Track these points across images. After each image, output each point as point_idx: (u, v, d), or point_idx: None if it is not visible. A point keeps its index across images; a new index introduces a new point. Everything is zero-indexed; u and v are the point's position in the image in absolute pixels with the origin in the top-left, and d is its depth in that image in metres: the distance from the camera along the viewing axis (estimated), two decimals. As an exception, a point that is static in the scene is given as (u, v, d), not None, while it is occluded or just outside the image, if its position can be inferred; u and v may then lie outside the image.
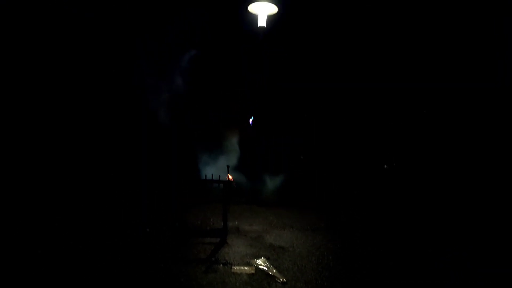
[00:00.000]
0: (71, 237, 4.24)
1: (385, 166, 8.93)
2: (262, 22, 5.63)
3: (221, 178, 4.83)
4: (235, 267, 3.54)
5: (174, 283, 3.17)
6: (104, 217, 5.24)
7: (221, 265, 3.60)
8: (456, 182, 7.18)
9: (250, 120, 9.12)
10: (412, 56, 7.88)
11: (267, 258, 3.80)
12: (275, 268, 3.54)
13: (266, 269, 3.49)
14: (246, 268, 3.53)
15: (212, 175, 4.90)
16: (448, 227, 5.22)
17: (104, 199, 6.11)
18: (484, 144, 7.39)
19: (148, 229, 4.74)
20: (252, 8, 5.46)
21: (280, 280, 3.26)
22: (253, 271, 3.45)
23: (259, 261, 3.69)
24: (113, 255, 3.78)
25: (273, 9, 5.45)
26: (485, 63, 7.17)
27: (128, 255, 3.79)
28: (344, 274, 3.48)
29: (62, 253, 3.75)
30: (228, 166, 5.09)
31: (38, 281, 3.16)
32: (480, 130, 7.48)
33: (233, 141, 7.99)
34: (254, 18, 5.70)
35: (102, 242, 4.19)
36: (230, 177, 4.93)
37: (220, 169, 5.54)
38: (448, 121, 7.95)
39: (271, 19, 5.69)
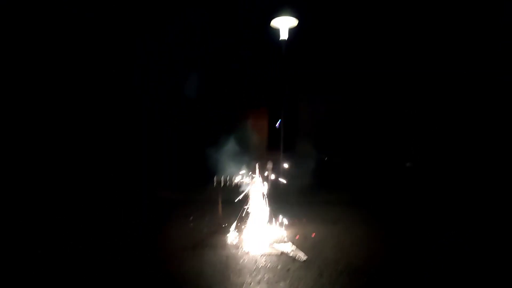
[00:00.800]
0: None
1: (407, 164, 9.21)
2: (284, 35, 6.18)
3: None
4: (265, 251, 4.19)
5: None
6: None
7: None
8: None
9: (277, 124, 9.67)
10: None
11: (292, 243, 4.41)
12: (298, 250, 4.15)
13: (291, 251, 4.11)
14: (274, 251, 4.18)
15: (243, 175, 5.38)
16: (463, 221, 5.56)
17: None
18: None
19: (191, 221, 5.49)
20: (274, 23, 6.05)
21: (302, 258, 3.87)
22: (279, 253, 4.08)
23: (285, 245, 4.31)
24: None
25: (293, 22, 6.01)
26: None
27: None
28: (356, 253, 4.06)
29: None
30: (257, 165, 5.59)
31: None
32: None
33: (259, 143, 8.57)
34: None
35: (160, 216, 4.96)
36: (260, 176, 5.35)
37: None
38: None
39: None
